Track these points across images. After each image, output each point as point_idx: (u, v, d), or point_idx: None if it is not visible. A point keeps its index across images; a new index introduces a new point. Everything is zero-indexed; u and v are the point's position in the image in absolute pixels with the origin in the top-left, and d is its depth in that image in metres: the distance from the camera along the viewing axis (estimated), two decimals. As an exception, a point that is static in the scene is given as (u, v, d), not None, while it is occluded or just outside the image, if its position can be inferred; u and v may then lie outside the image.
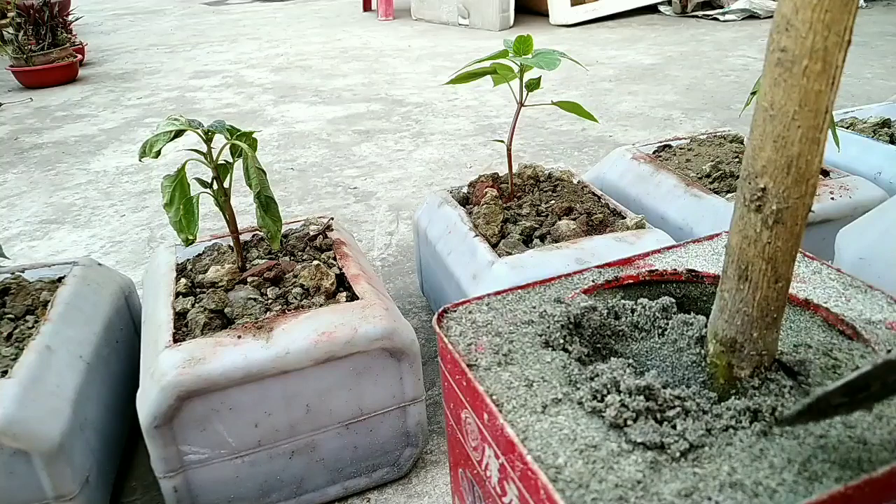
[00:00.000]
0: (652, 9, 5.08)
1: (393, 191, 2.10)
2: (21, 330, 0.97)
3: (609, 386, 0.57)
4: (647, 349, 0.67)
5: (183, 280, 1.03)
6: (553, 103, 1.14)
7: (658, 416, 0.55)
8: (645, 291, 0.77)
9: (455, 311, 0.71)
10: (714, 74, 3.28)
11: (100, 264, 1.17)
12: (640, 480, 0.49)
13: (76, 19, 4.25)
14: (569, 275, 0.77)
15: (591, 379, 0.59)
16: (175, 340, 0.89)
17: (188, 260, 1.12)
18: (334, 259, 1.10)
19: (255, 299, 0.99)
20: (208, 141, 0.97)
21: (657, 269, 0.78)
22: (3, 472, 0.81)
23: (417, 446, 1.01)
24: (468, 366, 0.62)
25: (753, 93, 1.18)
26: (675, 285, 0.77)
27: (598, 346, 0.67)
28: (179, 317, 0.96)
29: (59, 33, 3.72)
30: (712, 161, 1.35)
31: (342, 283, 1.04)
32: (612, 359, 0.61)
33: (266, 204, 0.99)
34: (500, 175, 1.31)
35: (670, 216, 1.26)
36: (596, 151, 2.34)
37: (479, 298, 0.73)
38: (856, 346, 0.64)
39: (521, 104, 1.16)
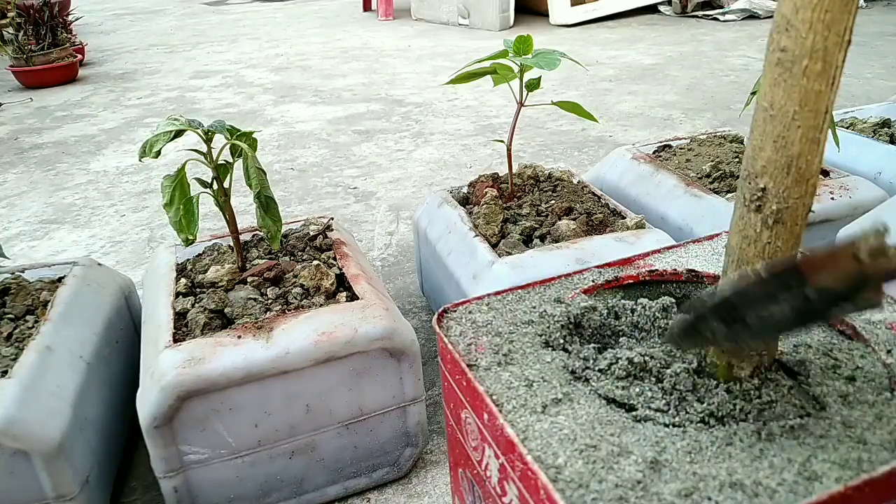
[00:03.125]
0: (652, 9, 5.08)
1: (393, 191, 2.10)
2: (21, 330, 0.97)
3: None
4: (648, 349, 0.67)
5: (183, 280, 1.03)
6: (553, 103, 1.14)
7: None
8: (645, 291, 0.77)
9: (455, 311, 0.71)
10: (714, 74, 3.28)
11: (100, 264, 1.17)
12: (640, 480, 0.49)
13: (76, 19, 4.25)
14: (569, 275, 0.77)
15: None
16: (175, 340, 0.89)
17: (188, 260, 1.12)
18: (334, 259, 1.10)
19: (255, 299, 0.99)
20: (208, 141, 0.97)
21: (657, 269, 0.78)
22: (3, 472, 0.81)
23: (417, 446, 1.01)
24: (468, 366, 0.62)
25: (753, 93, 1.18)
26: (675, 285, 0.77)
27: (599, 346, 0.67)
28: (179, 317, 0.96)
29: (59, 33, 3.72)
30: (712, 161, 1.35)
31: (342, 283, 1.04)
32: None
33: (266, 204, 0.99)
34: (500, 175, 1.31)
35: (670, 216, 1.26)
36: (596, 151, 2.34)
37: (479, 298, 0.73)
38: (856, 346, 0.64)
39: (521, 104, 1.16)
